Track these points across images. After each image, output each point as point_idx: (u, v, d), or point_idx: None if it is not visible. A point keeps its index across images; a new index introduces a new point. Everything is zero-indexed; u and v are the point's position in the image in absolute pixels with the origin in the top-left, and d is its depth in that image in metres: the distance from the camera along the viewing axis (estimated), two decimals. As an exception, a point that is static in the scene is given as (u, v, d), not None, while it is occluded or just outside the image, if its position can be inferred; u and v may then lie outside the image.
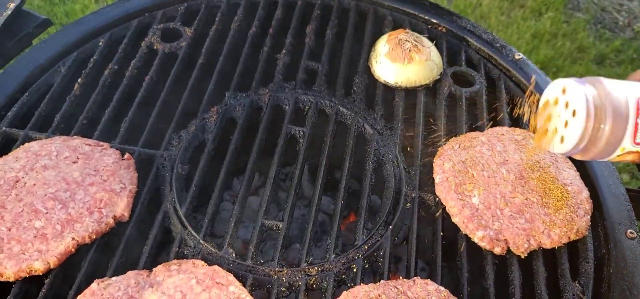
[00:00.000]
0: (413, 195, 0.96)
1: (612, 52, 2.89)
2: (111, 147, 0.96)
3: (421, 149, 1.03)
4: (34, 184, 0.89)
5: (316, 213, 0.93)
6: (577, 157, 0.77)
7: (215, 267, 0.82)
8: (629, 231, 0.93)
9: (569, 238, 0.90)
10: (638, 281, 0.87)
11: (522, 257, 0.89)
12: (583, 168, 1.00)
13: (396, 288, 0.82)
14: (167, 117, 1.04)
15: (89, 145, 0.96)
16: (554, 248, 0.90)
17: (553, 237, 0.90)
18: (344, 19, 1.26)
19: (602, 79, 0.74)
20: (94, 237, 0.84)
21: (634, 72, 0.79)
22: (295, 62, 1.16)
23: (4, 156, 0.93)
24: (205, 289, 0.79)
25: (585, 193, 0.96)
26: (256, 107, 1.08)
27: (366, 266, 0.89)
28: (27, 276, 0.79)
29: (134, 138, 1.00)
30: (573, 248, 0.92)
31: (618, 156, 0.74)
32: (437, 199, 0.95)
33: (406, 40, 1.13)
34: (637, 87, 0.73)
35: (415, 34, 1.16)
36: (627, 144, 0.72)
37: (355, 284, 0.83)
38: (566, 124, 0.75)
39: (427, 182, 0.98)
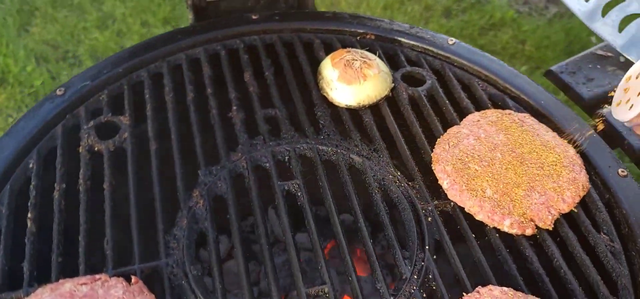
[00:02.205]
0: (430, 207, 0.96)
1: (454, 3, 3.13)
2: (110, 276, 0.83)
3: (413, 159, 1.02)
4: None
5: (351, 261, 0.88)
6: (637, 130, 0.87)
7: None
8: (619, 170, 1.01)
9: (580, 195, 0.96)
10: (647, 213, 0.95)
11: (550, 229, 0.92)
12: (557, 130, 1.06)
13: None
14: (150, 220, 0.92)
15: (85, 284, 0.82)
16: (571, 210, 0.95)
17: (567, 200, 0.95)
18: (273, 55, 1.20)
19: None
20: None
21: None
22: (250, 114, 1.09)
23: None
24: None
25: (572, 150, 1.02)
26: (237, 175, 1.00)
27: (424, 296, 0.86)
28: None
29: (125, 257, 0.87)
30: (583, 204, 0.97)
31: None
32: (453, 203, 0.96)
33: (354, 60, 1.11)
34: None
35: (358, 50, 1.15)
36: None
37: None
38: (639, 94, 0.83)
39: (435, 190, 0.98)
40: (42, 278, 0.85)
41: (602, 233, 0.93)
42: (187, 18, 1.34)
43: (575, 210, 0.95)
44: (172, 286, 0.85)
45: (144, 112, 1.08)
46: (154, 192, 0.95)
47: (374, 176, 1.00)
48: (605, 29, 1.26)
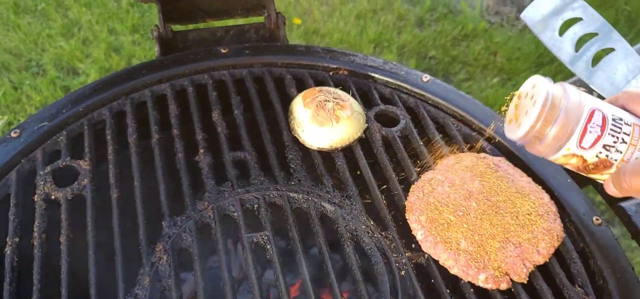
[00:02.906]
0: (403, 260, 0.93)
1: (427, 13, 3.12)
2: (66, 346, 0.78)
3: (386, 207, 0.99)
4: None
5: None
6: (528, 148, 0.82)
7: None
8: (594, 218, 0.99)
9: (554, 246, 0.94)
10: (624, 263, 0.94)
11: (525, 282, 0.90)
12: (533, 173, 1.04)
13: None
14: (109, 279, 0.87)
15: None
16: (546, 261, 0.93)
17: (542, 251, 0.93)
18: (243, 91, 1.16)
19: (566, 84, 0.80)
20: None
21: (610, 97, 0.84)
22: (218, 158, 1.04)
23: None
24: None
25: (546, 196, 1.00)
26: (203, 225, 0.95)
27: (398, 358, 0.84)
28: None
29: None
30: (557, 254, 0.95)
31: (563, 156, 0.79)
32: (427, 255, 0.93)
33: (326, 101, 1.07)
34: (597, 101, 0.79)
35: (330, 89, 1.12)
36: (572, 146, 0.78)
37: None
38: (526, 112, 0.80)
39: (409, 240, 0.95)
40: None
41: (576, 286, 0.92)
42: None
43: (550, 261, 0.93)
44: (133, 353, 0.81)
45: (105, 155, 1.03)
46: (115, 247, 0.91)
47: (346, 226, 0.97)
48: (579, 64, 1.24)
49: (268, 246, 0.93)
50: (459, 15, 3.17)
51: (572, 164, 0.80)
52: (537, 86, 0.80)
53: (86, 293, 0.86)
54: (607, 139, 0.77)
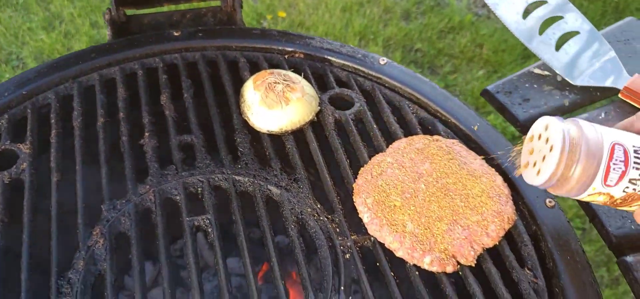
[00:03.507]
0: (348, 243, 0.90)
1: (413, 6, 3.09)
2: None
3: (334, 190, 0.96)
4: None
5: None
6: (551, 191, 0.79)
7: None
8: (547, 200, 0.97)
9: (505, 229, 0.91)
10: (575, 246, 0.91)
11: (473, 265, 0.88)
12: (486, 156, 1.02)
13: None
14: (43, 262, 0.85)
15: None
16: (495, 244, 0.90)
17: (491, 234, 0.90)
18: (194, 74, 1.14)
19: (580, 120, 0.77)
20: None
21: (621, 122, 0.82)
22: (165, 141, 1.02)
23: None
24: None
25: (499, 179, 0.97)
26: (143, 210, 0.93)
27: (336, 343, 0.81)
28: None
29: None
30: (508, 236, 0.92)
31: (589, 195, 0.77)
32: (373, 238, 0.90)
33: (275, 83, 1.05)
34: (614, 133, 0.77)
35: (281, 71, 1.09)
36: (597, 185, 0.75)
37: None
38: (544, 158, 0.77)
39: (355, 223, 0.92)
40: None
41: (526, 269, 0.89)
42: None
43: (500, 243, 0.90)
44: (61, 338, 0.78)
45: (48, 138, 1.00)
46: (51, 230, 0.88)
47: (292, 209, 0.94)
48: (543, 47, 1.22)
49: (209, 229, 0.91)
50: (446, 8, 3.14)
51: (600, 201, 0.78)
52: (550, 128, 0.77)
53: (18, 278, 0.83)
54: (632, 173, 0.74)
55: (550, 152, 0.77)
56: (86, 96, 1.08)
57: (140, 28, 1.25)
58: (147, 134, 1.02)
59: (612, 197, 0.77)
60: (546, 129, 0.79)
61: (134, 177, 0.96)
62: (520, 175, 0.83)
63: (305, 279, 0.86)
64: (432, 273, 0.87)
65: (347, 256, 0.89)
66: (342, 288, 0.85)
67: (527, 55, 2.89)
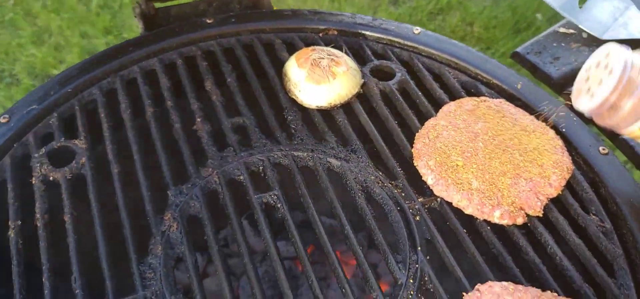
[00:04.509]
0: (416, 206, 0.91)
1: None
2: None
3: (393, 157, 0.98)
4: None
5: (342, 270, 0.83)
6: (598, 120, 0.80)
7: None
8: (600, 148, 0.99)
9: (565, 178, 0.93)
10: (634, 187, 0.94)
11: (540, 215, 0.90)
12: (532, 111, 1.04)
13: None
14: (120, 251, 0.84)
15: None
16: (558, 193, 0.92)
17: (554, 184, 0.92)
18: (233, 59, 1.14)
19: None
20: None
21: None
22: (217, 125, 1.02)
23: None
24: None
25: (551, 132, 1.00)
26: (210, 192, 0.93)
27: (422, 299, 0.82)
28: None
29: (97, 294, 0.80)
30: (568, 186, 0.95)
31: (634, 132, 0.78)
32: (439, 199, 0.92)
33: (321, 58, 1.05)
34: None
35: (323, 47, 1.10)
36: None
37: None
38: (600, 82, 0.77)
39: (419, 187, 0.94)
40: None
41: (591, 214, 0.91)
42: (130, 26, 1.26)
43: (562, 193, 0.93)
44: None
45: (100, 133, 0.99)
46: (122, 220, 0.88)
47: (355, 178, 0.95)
48: (567, 5, 1.25)
49: (278, 205, 0.91)
50: (432, -10, 3.18)
51: None
52: (612, 55, 0.77)
53: (97, 268, 0.83)
54: None
55: (608, 76, 0.76)
56: (129, 88, 1.07)
57: (168, 20, 1.25)
58: (198, 119, 1.02)
59: None
60: (607, 55, 0.79)
61: (194, 162, 0.96)
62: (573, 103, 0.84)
63: (382, 243, 0.87)
64: (502, 226, 0.89)
65: (417, 218, 0.90)
66: (419, 248, 0.86)
67: (518, 29, 2.93)
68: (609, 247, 0.87)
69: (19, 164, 0.95)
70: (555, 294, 0.80)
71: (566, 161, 0.95)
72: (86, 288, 0.81)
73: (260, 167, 0.96)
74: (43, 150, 0.96)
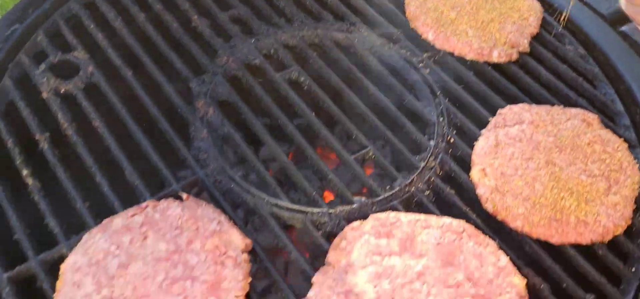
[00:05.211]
0: (424, 60, 0.99)
1: None
2: (154, 201, 0.75)
3: (390, 23, 1.04)
4: (135, 289, 0.66)
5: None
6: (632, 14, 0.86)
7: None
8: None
9: (540, 18, 1.05)
10: (597, 20, 1.08)
11: (528, 51, 1.01)
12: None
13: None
14: (162, 143, 0.84)
15: (135, 214, 0.73)
16: (537, 32, 1.04)
17: (533, 23, 1.04)
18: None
19: None
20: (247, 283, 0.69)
21: None
22: (213, 20, 1.02)
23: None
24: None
25: None
26: (231, 77, 0.94)
27: (455, 132, 0.90)
28: None
29: (153, 183, 0.79)
30: (543, 25, 1.07)
31: None
32: (442, 51, 1.00)
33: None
34: None
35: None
36: None
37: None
38: None
39: (422, 44, 1.01)
40: (71, 231, 0.75)
41: (566, 45, 1.04)
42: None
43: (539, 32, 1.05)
44: (222, 192, 0.79)
45: (95, 44, 0.95)
46: (154, 115, 0.87)
47: (363, 46, 1.00)
48: None
49: (302, 79, 0.94)
50: None
51: None
52: None
53: (146, 163, 0.82)
54: None
55: None
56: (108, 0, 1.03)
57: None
58: (195, 16, 1.01)
59: None
60: None
61: (205, 55, 0.95)
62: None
63: (403, 92, 0.94)
64: (500, 65, 0.99)
65: (427, 70, 0.98)
66: (438, 92, 0.95)
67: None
68: (587, 68, 1.01)
69: (22, 83, 0.89)
70: (561, 106, 0.93)
71: (537, 4, 1.07)
72: (142, 180, 0.80)
73: (272, 50, 0.98)
74: (43, 66, 0.91)
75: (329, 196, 0.96)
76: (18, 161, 0.80)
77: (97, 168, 0.80)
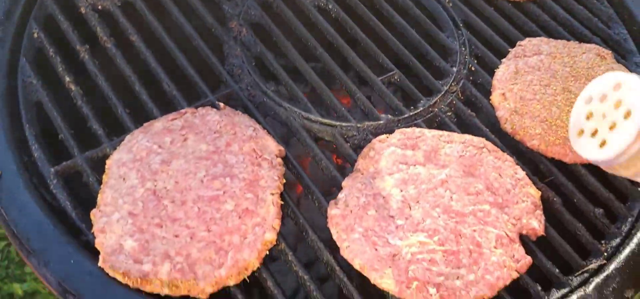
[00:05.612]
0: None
1: None
2: (192, 109, 0.79)
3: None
4: (177, 183, 0.70)
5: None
6: (609, 169, 0.68)
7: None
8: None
9: None
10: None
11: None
12: None
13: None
14: (197, 59, 0.88)
15: (175, 118, 0.77)
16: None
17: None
18: None
19: None
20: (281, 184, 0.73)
21: None
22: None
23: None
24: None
25: None
26: (262, 2, 0.97)
27: (479, 55, 0.95)
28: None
29: (192, 94, 0.83)
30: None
31: None
32: (464, -13, 1.04)
33: None
34: None
35: None
36: None
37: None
38: (613, 126, 0.63)
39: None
40: (112, 134, 0.79)
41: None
42: None
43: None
44: (255, 105, 0.84)
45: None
46: (189, 33, 0.90)
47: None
48: None
49: (330, 6, 0.98)
50: None
51: None
52: (625, 88, 0.62)
53: (182, 75, 0.86)
54: None
55: (625, 120, 0.61)
56: None
57: None
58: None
59: None
60: (617, 88, 0.64)
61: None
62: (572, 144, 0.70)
63: (427, 22, 0.98)
64: (518, 2, 1.03)
65: (450, 4, 1.02)
66: (461, 24, 0.99)
67: None
68: (603, 9, 1.05)
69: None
70: (577, 41, 0.97)
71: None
72: (179, 91, 0.84)
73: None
74: (82, -16, 0.94)
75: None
76: (59, 69, 0.84)
77: (136, 78, 0.84)
